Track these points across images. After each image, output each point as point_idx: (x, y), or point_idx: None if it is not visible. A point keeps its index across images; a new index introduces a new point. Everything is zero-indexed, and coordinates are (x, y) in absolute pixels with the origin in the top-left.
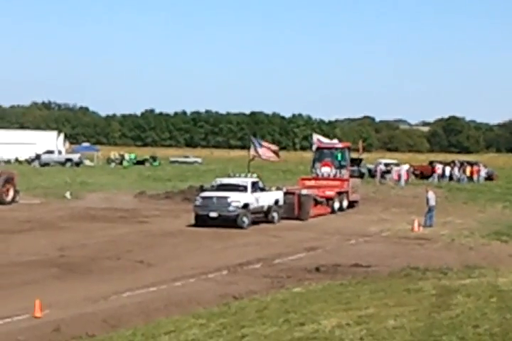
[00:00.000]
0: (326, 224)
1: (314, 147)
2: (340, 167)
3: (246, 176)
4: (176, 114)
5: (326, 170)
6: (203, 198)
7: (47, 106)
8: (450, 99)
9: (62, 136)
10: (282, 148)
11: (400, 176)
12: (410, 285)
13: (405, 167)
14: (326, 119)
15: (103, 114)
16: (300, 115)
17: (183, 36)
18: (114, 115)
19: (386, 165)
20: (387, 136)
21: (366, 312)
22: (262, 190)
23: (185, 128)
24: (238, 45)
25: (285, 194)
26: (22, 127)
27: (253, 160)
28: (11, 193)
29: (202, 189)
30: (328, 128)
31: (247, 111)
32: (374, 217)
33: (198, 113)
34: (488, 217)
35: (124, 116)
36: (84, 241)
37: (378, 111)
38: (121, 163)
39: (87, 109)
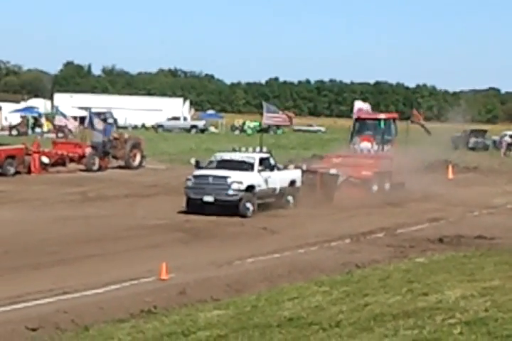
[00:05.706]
0: (450, 195)
1: (354, 118)
2: (384, 142)
3: (255, 151)
4: (299, 82)
5: (365, 146)
6: (196, 177)
7: (173, 73)
8: None
9: (187, 102)
10: (407, 118)
11: None
12: None
13: None
14: (451, 90)
15: (228, 81)
16: (425, 85)
17: (307, 6)
18: (239, 83)
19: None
20: None
21: (491, 284)
22: (274, 168)
23: (309, 97)
24: (363, 14)
25: (305, 172)
26: (149, 94)
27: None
28: (138, 158)
29: (198, 165)
30: (452, 99)
31: (372, 81)
32: (498, 189)
33: (322, 82)
34: None
35: (248, 84)
36: None
37: (504, 82)
38: (245, 131)
39: (212, 76)
